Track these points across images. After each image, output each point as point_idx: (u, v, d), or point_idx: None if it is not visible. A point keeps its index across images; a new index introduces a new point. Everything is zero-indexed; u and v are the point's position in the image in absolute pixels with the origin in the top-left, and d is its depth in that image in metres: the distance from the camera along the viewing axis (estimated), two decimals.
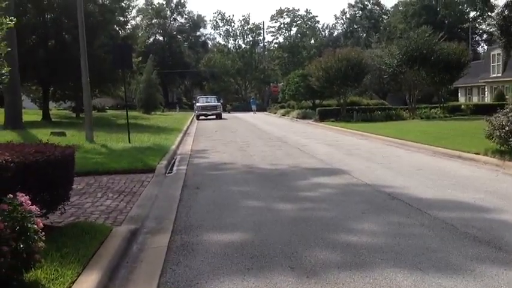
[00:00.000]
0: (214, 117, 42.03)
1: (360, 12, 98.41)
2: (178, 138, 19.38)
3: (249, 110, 58.33)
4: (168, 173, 11.26)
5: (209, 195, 8.36)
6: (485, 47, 78.09)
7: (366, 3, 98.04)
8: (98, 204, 7.51)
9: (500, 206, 7.00)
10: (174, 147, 16.05)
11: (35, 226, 3.80)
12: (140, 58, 40.78)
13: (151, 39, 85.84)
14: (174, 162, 13.17)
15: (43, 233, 3.90)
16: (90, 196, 8.11)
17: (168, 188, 9.14)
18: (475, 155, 12.20)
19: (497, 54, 48.30)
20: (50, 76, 28.78)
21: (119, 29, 34.14)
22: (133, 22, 47.11)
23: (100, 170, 10.42)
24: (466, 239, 5.45)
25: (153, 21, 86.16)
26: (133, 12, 60.21)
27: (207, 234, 5.90)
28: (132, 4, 34.42)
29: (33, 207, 3.89)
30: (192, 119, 40.38)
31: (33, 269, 3.98)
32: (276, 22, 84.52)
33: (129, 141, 16.15)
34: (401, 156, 13.42)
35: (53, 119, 31.41)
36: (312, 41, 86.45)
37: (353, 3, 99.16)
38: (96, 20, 29.20)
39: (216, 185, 9.30)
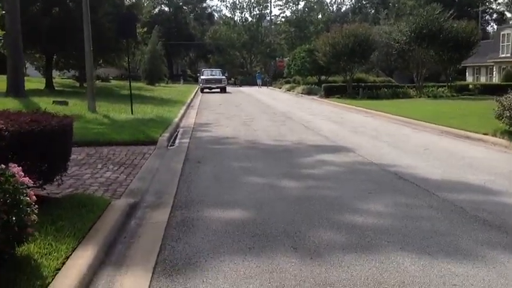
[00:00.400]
0: (218, 90, 41.66)
1: None
2: (182, 111, 19.16)
3: (254, 84, 58.04)
4: (170, 145, 11.08)
5: (211, 169, 8.18)
6: (495, 27, 77.08)
7: None
8: (98, 175, 7.34)
9: (510, 189, 6.80)
10: (177, 119, 15.84)
11: (28, 198, 3.62)
12: (145, 29, 40.26)
13: (156, 10, 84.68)
14: (177, 135, 12.99)
15: (36, 206, 3.71)
16: (90, 167, 7.94)
17: (170, 161, 8.96)
18: (483, 135, 11.96)
19: (507, 34, 47.59)
20: (53, 44, 28.40)
21: None
22: None
23: (101, 141, 10.24)
24: (475, 222, 5.26)
25: None
26: None
27: (207, 210, 5.73)
28: None
29: (26, 179, 3.70)
30: (196, 91, 40.04)
31: (25, 243, 3.81)
32: None
33: (132, 113, 15.94)
34: (408, 134, 13.18)
35: (56, 88, 31.17)
36: (320, 16, 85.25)
37: None
38: None
39: (218, 160, 9.12)
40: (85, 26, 16.19)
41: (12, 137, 4.34)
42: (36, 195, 3.89)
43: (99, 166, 8.05)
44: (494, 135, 11.68)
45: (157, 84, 48.12)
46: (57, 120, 5.11)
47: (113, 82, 49.37)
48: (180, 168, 8.28)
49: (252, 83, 60.65)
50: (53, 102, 17.47)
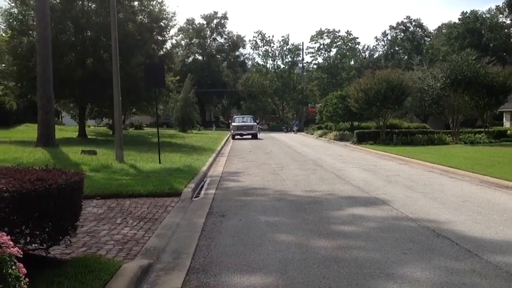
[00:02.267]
0: (250, 137, 41.62)
1: (402, 34, 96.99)
2: (211, 159, 18.91)
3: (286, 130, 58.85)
4: (195, 197, 10.72)
5: (234, 225, 7.74)
6: None
7: (408, 25, 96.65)
8: (115, 232, 7.00)
9: None
10: (205, 168, 15.57)
11: (17, 271, 3.26)
12: (178, 77, 40.94)
13: (190, 58, 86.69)
14: (203, 185, 12.65)
15: (26, 279, 3.34)
16: (109, 222, 7.62)
17: (192, 215, 8.57)
18: None
19: None
20: (86, 94, 28.97)
21: (157, 48, 34.26)
22: (172, 41, 47.51)
23: (124, 193, 9.96)
24: None
25: (193, 41, 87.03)
26: (173, 32, 61.08)
27: (226, 275, 5.26)
28: (171, 24, 34.47)
29: (15, 250, 3.34)
30: (228, 138, 40.05)
31: None
32: (315, 43, 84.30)
33: (160, 162, 15.76)
34: (445, 184, 12.51)
35: (89, 136, 31.60)
36: (352, 62, 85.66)
37: (395, 25, 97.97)
38: (134, 38, 29.38)
39: (244, 213, 8.68)
40: (114, 76, 16.33)
41: (12, 198, 4.05)
42: (41, 259, 3.55)
43: (118, 221, 7.71)
44: None
45: (189, 131, 48.49)
46: (65, 178, 4.81)
47: (146, 129, 50.07)
48: (202, 223, 7.87)
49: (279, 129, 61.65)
50: (82, 151, 17.49)
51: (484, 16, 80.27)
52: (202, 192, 11.50)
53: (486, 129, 33.09)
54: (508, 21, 69.44)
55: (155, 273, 5.38)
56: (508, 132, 35.01)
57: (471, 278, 5.06)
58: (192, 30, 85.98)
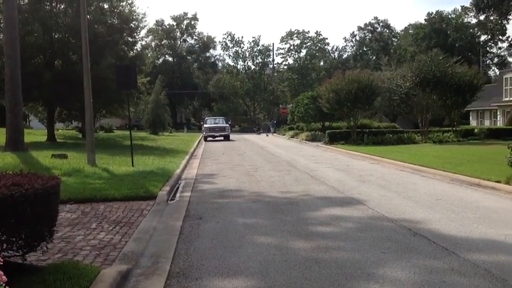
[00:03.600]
0: (222, 138, 41.49)
1: (370, 34, 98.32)
2: (184, 162, 18.76)
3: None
4: (171, 200, 10.62)
5: (212, 227, 7.68)
6: (496, 71, 77.67)
7: (375, 26, 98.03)
8: (91, 237, 6.86)
9: None
10: (179, 171, 15.44)
11: None
12: (148, 78, 40.53)
13: (160, 60, 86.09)
14: (178, 188, 12.54)
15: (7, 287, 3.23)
16: (84, 227, 7.47)
17: (169, 218, 8.47)
18: (495, 183, 11.50)
19: (510, 78, 47.71)
20: (55, 97, 28.39)
21: (127, 50, 33.83)
22: (142, 42, 46.95)
23: (98, 197, 9.78)
24: None
25: (163, 42, 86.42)
26: (143, 33, 60.48)
27: (207, 278, 5.21)
28: (141, 25, 34.07)
29: None
30: (200, 140, 39.85)
31: None
32: (285, 44, 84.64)
33: (132, 165, 15.55)
34: (417, 183, 12.69)
35: (58, 140, 30.98)
36: (322, 63, 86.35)
37: (363, 25, 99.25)
38: (103, 40, 28.93)
39: (221, 216, 8.62)
40: (85, 78, 16.04)
41: None
42: (18, 266, 3.43)
43: (94, 226, 7.57)
44: (507, 182, 11.22)
45: (160, 134, 48.07)
46: (41, 182, 4.68)
47: (117, 132, 49.44)
48: (180, 226, 7.78)
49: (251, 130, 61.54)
50: (52, 155, 17.11)
51: (449, 17, 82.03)
52: (178, 195, 11.39)
53: (454, 128, 33.77)
54: (473, 22, 70.98)
55: (135, 278, 5.28)
56: (475, 130, 35.80)
57: (450, 276, 5.13)
58: (161, 31, 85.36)
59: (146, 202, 9.77)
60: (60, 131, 44.63)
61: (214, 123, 44.40)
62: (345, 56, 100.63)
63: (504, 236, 6.79)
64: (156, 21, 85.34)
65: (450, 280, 5.01)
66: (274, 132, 57.26)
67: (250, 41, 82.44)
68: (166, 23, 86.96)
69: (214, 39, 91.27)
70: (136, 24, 33.31)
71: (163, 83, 54.50)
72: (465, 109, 40.59)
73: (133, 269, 5.54)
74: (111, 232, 7.18)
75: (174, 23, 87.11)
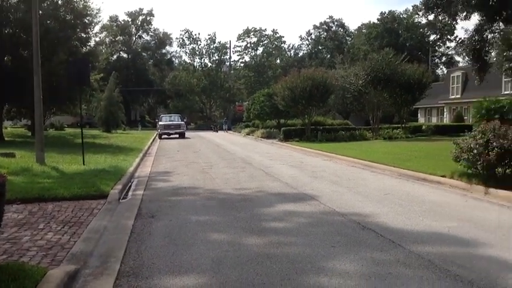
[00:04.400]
0: (177, 136, 41.18)
1: (325, 33, 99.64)
2: (137, 159, 18.52)
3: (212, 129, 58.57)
4: (123, 198, 10.46)
5: (165, 225, 7.64)
6: (444, 69, 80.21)
7: (330, 25, 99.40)
8: (38, 238, 6.69)
9: (476, 237, 6.56)
10: (132, 169, 15.22)
11: None
12: (102, 75, 39.76)
13: (115, 56, 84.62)
14: (131, 186, 12.36)
15: None
16: (31, 228, 7.27)
17: (120, 217, 8.35)
18: (441, 177, 11.93)
19: (457, 76, 49.39)
20: (4, 93, 27.45)
21: (80, 46, 33.02)
22: (96, 38, 45.98)
23: (46, 197, 9.52)
24: (447, 278, 4.93)
25: (117, 38, 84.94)
26: (97, 29, 59.26)
27: (158, 277, 5.18)
28: (95, 21, 33.31)
29: None
30: (154, 138, 39.39)
31: None
32: (242, 41, 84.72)
33: (83, 163, 15.23)
34: (368, 178, 12.99)
35: (6, 138, 30.00)
36: (278, 61, 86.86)
37: (318, 24, 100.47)
38: (56, 35, 28.13)
39: (174, 213, 8.58)
40: (35, 74, 15.56)
41: None
42: None
43: (41, 226, 7.38)
44: (452, 177, 11.63)
45: (114, 131, 47.21)
46: None
47: (68, 130, 48.31)
48: (131, 225, 7.70)
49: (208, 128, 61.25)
50: None
51: (401, 16, 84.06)
52: (130, 193, 11.24)
53: (403, 125, 34.74)
54: (424, 21, 72.95)
55: (83, 278, 5.19)
56: (423, 127, 36.94)
57: (396, 268, 5.30)
58: (116, 27, 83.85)
59: (97, 201, 9.60)
60: (8, 129, 43.23)
61: (170, 121, 43.96)
62: (300, 54, 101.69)
63: (447, 229, 7.05)
64: (110, 17, 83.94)
65: (396, 272, 5.17)
66: (229, 129, 57.33)
67: (207, 38, 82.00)
68: (121, 18, 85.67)
69: (171, 36, 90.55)
70: (90, 19, 32.55)
71: (117, 79, 53.49)
72: (414, 107, 41.81)
73: (81, 269, 5.44)
74: (59, 232, 7.03)
75: (129, 19, 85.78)
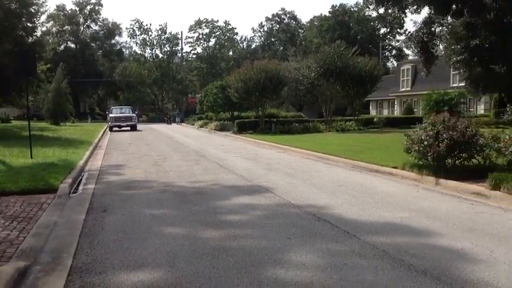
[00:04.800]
0: (128, 128, 40.49)
1: (277, 25, 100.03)
2: (88, 153, 18.05)
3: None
4: (73, 192, 10.17)
5: (118, 219, 7.47)
6: (394, 62, 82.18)
7: (282, 17, 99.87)
8: None
9: (427, 227, 6.73)
10: (82, 162, 14.82)
11: None
12: (49, 66, 38.49)
13: (62, 47, 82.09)
14: (81, 180, 12.04)
15: None
16: None
17: (71, 212, 8.11)
18: (393, 169, 12.17)
19: (407, 69, 50.64)
20: None
21: (26, 36, 31.77)
22: (43, 28, 44.45)
23: None
24: (401, 267, 5.02)
25: (64, 28, 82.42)
26: (43, 18, 57.34)
27: (112, 272, 5.06)
28: (42, 10, 32.13)
29: None
30: (105, 130, 38.57)
31: None
32: (194, 33, 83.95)
33: (31, 156, 14.71)
34: (321, 170, 13.14)
35: None
36: (231, 53, 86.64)
37: (270, 16, 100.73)
38: (0, 25, 26.97)
39: (127, 207, 8.40)
40: None
41: None
42: None
43: None
44: (403, 168, 11.90)
45: (62, 124, 45.84)
46: None
47: (14, 123, 46.58)
48: (83, 219, 7.49)
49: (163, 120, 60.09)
50: None
51: (352, 9, 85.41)
52: (81, 187, 10.94)
53: (355, 117, 35.38)
54: (374, 15, 74.40)
55: (34, 275, 5.00)
56: (375, 119, 37.75)
57: (351, 258, 5.37)
58: (63, 16, 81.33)
59: (46, 195, 9.29)
60: None
61: (121, 113, 43.18)
62: (253, 46, 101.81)
63: (400, 219, 7.22)
64: (57, 6, 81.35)
65: (351, 262, 5.24)
66: (182, 122, 56.75)
67: (158, 28, 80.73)
68: (68, 7, 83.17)
69: (120, 26, 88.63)
70: (36, 9, 31.33)
71: (65, 70, 51.87)
72: (366, 99, 42.65)
73: (32, 266, 5.24)
74: (7, 228, 6.75)
75: (77, 8, 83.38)
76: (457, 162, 10.66)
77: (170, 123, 54.54)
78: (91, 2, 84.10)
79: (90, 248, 5.96)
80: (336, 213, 7.65)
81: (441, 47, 27.11)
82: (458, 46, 23.11)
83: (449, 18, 25.38)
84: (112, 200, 9.18)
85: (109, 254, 5.68)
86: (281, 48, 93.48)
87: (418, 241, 6.03)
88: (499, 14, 21.63)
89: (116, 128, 40.14)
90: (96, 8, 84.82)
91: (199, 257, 5.47)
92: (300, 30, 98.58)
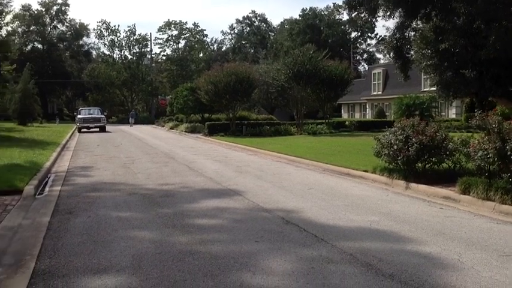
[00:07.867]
0: (97, 130, 39.92)
1: (248, 28, 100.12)
2: (55, 154, 17.70)
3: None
4: (39, 194, 9.95)
5: (83, 222, 7.32)
6: (366, 66, 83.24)
7: (253, 19, 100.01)
8: None
9: (397, 231, 6.76)
10: (49, 163, 14.53)
11: None
12: (15, 66, 37.67)
13: (29, 47, 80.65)
14: (47, 181, 11.79)
15: None
16: None
17: (36, 214, 7.92)
18: (363, 172, 12.23)
19: (378, 73, 51.31)
20: None
21: None
22: (8, 28, 43.42)
23: None
24: (368, 272, 5.03)
25: (30, 28, 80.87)
26: (8, 18, 56.05)
27: (75, 275, 4.94)
28: (7, 10, 31.50)
29: None
30: (73, 131, 37.90)
31: None
32: (163, 34, 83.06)
33: None
34: (292, 173, 13.16)
35: None
36: (201, 55, 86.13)
37: (241, 19, 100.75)
38: None
39: (93, 210, 8.25)
40: None
41: None
42: None
43: None
44: (373, 172, 11.96)
45: (29, 125, 44.91)
46: None
47: None
48: (47, 221, 7.32)
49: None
50: None
51: (322, 13, 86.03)
52: (47, 189, 10.71)
53: (327, 121, 35.60)
54: (345, 19, 75.25)
55: None
56: (346, 123, 38.06)
57: (319, 263, 5.35)
58: (29, 17, 79.79)
59: (11, 197, 9.08)
60: None
61: (89, 114, 42.64)
62: (224, 48, 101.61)
63: (369, 223, 7.25)
64: (23, 5, 79.81)
65: (318, 266, 5.22)
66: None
67: (127, 30, 79.68)
68: (34, 8, 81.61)
69: (88, 27, 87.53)
70: (1, 8, 30.73)
71: (32, 71, 50.83)
72: (337, 102, 42.98)
73: None
74: None
75: (43, 9, 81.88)
76: (427, 166, 10.77)
77: (131, 126, 52.43)
78: (57, 2, 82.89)
79: (54, 250, 5.82)
80: (305, 216, 7.65)
81: (412, 51, 27.51)
82: (429, 51, 23.48)
83: (420, 23, 25.77)
84: (78, 202, 9.01)
85: (73, 257, 5.55)
86: (252, 50, 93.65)
87: (387, 245, 6.05)
88: (469, 18, 22.04)
89: (85, 129, 39.57)
90: (63, 8, 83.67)
91: (165, 261, 5.39)
92: (270, 33, 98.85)
